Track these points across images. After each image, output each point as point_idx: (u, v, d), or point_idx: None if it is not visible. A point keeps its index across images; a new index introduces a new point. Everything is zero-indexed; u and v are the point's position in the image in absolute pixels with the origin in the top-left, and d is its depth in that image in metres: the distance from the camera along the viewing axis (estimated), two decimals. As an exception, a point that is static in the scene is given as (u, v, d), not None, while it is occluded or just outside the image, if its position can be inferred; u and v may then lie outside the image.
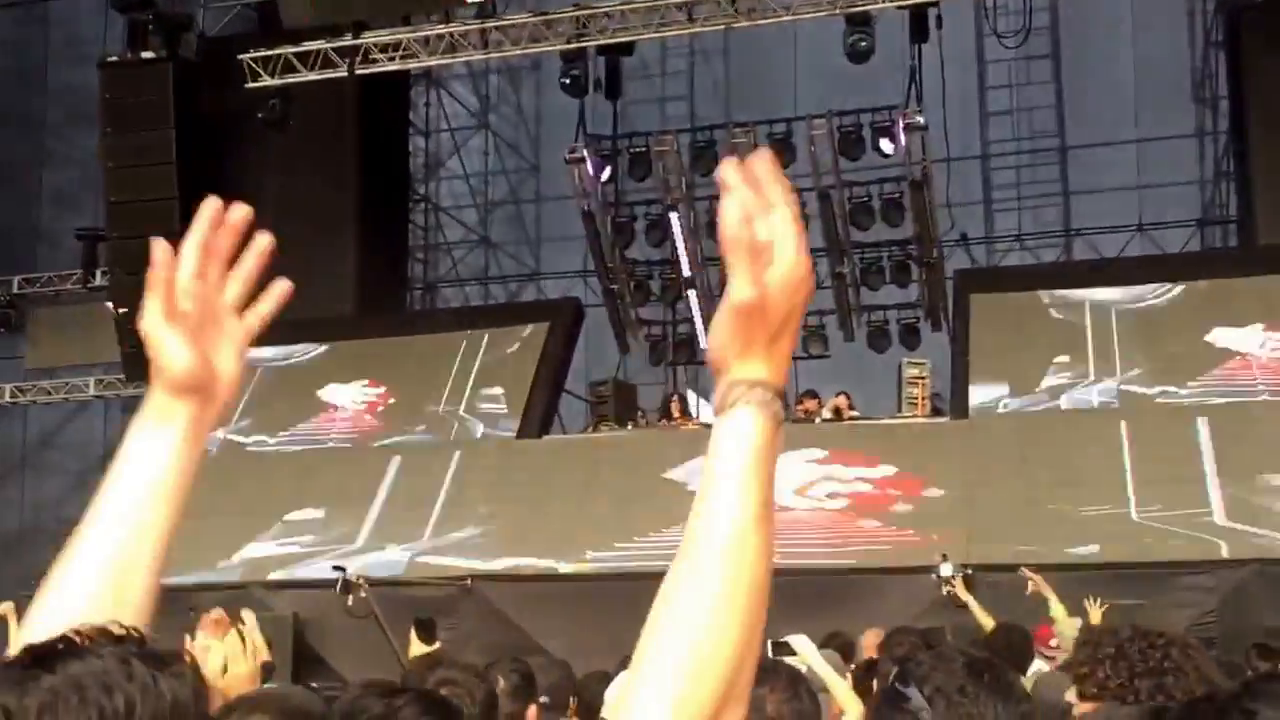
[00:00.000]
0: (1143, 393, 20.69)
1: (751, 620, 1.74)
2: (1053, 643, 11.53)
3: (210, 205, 2.12)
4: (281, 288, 2.17)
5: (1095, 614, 13.47)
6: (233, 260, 2.14)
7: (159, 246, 2.06)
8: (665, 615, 1.74)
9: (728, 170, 1.83)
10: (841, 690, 7.51)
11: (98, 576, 2.01)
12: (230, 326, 2.13)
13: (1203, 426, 19.51)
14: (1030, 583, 13.44)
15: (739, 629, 1.73)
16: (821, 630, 13.90)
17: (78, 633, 1.66)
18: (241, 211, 2.12)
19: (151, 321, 2.05)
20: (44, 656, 1.62)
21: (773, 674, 5.26)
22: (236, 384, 2.13)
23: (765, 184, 1.84)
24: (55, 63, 30.80)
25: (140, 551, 2.03)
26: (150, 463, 2.05)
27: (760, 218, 1.81)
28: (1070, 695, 3.89)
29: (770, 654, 8.48)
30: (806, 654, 7.90)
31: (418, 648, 10.79)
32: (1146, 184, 26.64)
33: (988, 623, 12.71)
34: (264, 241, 2.16)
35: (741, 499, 1.77)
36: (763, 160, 1.87)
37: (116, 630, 1.69)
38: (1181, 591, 17.25)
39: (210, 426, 2.10)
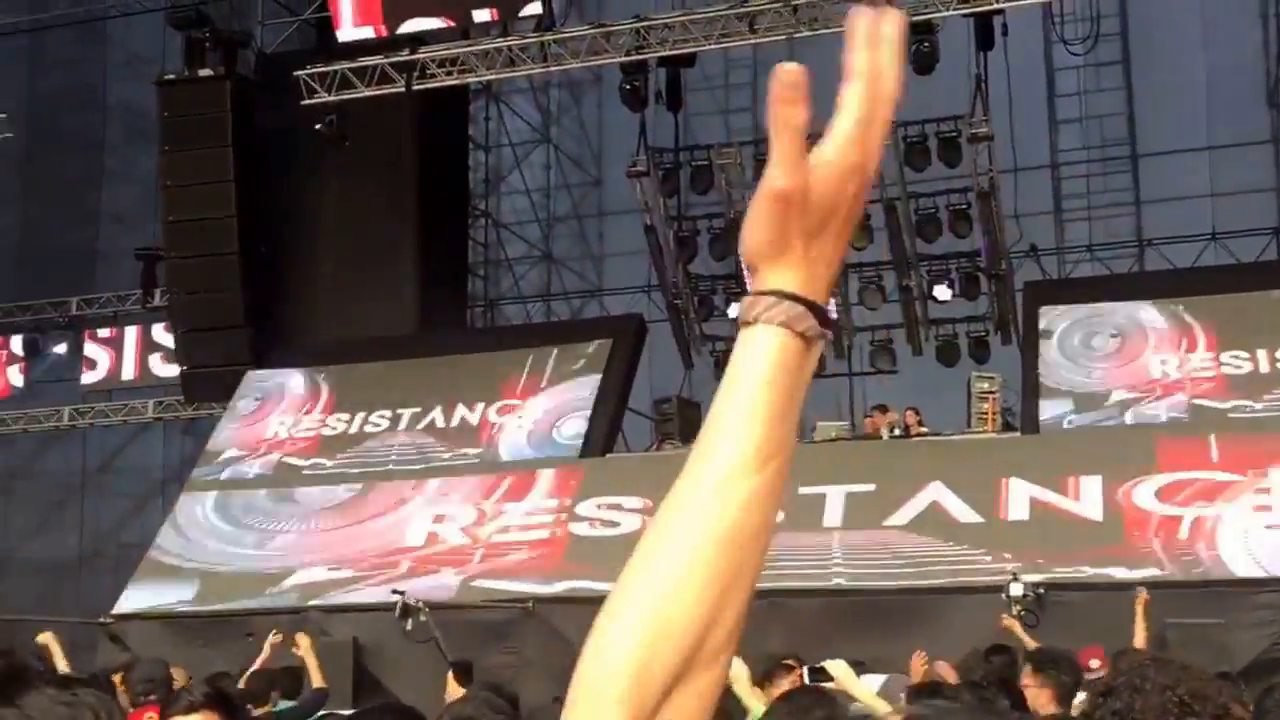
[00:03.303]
0: (1215, 407, 20.13)
1: (728, 576, 1.53)
2: (1093, 664, 11.23)
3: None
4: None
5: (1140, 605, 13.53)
6: None
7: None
8: (637, 554, 1.54)
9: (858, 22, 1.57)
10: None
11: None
12: None
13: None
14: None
15: (711, 584, 1.52)
16: (892, 653, 13.63)
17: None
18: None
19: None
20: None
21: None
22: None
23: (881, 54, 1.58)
24: (114, 81, 30.82)
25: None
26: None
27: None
28: None
29: (807, 679, 8.17)
30: (845, 679, 7.59)
31: (455, 691, 10.16)
32: (1220, 191, 26.15)
33: (1031, 644, 12.86)
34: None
35: (740, 434, 1.54)
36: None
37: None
38: (1258, 610, 16.71)
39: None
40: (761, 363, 1.55)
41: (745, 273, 1.61)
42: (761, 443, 1.54)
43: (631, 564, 1.54)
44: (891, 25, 1.57)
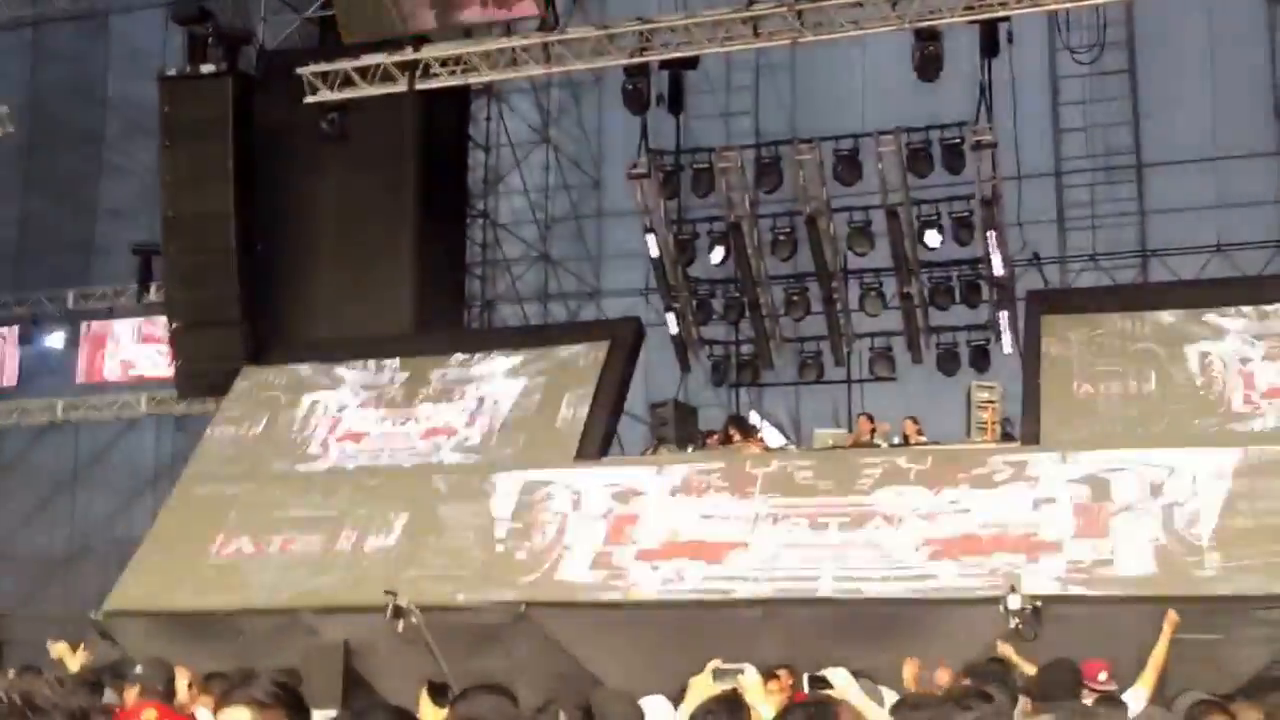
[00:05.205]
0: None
1: None
2: (1101, 676, 10.98)
3: None
4: None
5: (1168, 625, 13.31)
6: None
7: None
8: None
9: None
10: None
11: None
12: None
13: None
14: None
15: None
16: (884, 663, 13.44)
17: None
18: None
19: None
20: None
21: None
22: None
23: None
24: (115, 76, 30.76)
25: None
26: None
27: None
28: None
29: (807, 688, 8.02)
30: (845, 688, 7.42)
31: (429, 712, 9.81)
32: (1225, 203, 25.95)
33: (1030, 669, 12.72)
34: None
35: None
36: None
37: None
38: (1259, 627, 16.45)
39: None
40: None
41: None
42: None
43: None
44: None
